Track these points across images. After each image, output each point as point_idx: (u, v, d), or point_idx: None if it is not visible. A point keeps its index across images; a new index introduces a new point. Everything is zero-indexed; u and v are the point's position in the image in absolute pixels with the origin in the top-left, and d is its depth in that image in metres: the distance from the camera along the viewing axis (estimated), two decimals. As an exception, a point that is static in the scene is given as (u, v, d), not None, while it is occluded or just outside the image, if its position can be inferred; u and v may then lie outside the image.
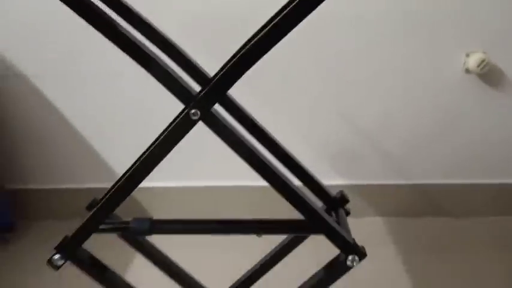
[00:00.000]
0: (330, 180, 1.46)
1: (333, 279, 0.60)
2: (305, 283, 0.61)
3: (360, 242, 1.46)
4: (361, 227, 1.48)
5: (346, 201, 0.72)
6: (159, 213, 1.48)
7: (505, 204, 1.50)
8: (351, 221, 1.48)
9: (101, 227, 0.64)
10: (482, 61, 1.29)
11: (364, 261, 1.30)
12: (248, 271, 0.78)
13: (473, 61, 1.29)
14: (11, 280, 1.26)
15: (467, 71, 1.33)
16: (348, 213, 0.71)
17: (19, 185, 1.49)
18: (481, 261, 1.30)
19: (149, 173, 0.59)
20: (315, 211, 0.59)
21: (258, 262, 0.78)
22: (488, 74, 1.34)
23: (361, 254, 0.59)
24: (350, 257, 0.59)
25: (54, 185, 1.50)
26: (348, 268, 0.59)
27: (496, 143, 1.45)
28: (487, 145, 1.45)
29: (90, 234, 0.62)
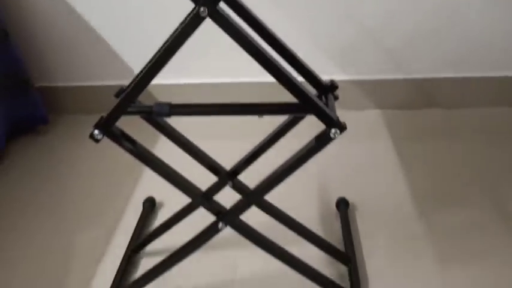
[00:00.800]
0: (331, 75, 1.57)
1: (319, 148, 0.74)
2: (297, 152, 0.76)
3: (360, 132, 1.59)
4: (362, 118, 1.62)
5: (335, 88, 0.84)
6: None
7: (495, 95, 1.61)
8: (352, 113, 1.62)
9: (129, 109, 0.78)
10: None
11: (365, 149, 1.45)
12: (252, 149, 0.93)
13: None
14: (46, 166, 1.44)
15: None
16: (336, 98, 0.83)
17: (47, 83, 1.63)
18: (472, 147, 1.43)
19: (165, 64, 0.71)
20: (307, 95, 0.71)
21: (261, 141, 0.92)
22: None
23: (341, 127, 0.72)
24: (333, 130, 0.72)
25: (79, 83, 1.64)
26: (331, 139, 0.72)
27: (491, 37, 1.53)
28: (483, 40, 1.53)
29: (121, 114, 0.76)
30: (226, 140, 1.45)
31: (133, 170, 1.36)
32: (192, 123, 1.19)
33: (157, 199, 1.25)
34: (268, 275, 1.03)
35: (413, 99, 1.62)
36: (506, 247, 1.09)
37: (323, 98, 0.83)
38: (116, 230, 1.18)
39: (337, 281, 0.98)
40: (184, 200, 1.03)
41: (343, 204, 1.19)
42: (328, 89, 0.84)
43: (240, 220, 0.85)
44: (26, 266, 1.09)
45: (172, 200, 1.16)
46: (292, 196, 1.24)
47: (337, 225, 1.16)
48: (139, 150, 0.79)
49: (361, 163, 1.40)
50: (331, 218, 1.19)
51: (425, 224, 1.16)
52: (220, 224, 0.83)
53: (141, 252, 1.11)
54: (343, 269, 1.04)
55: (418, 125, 1.57)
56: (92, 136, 0.76)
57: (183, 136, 0.93)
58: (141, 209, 1.22)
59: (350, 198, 1.22)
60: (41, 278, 1.06)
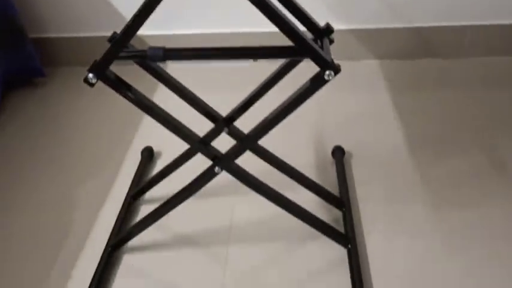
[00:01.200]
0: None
1: (313, 90, 0.74)
2: (293, 93, 0.76)
3: (357, 82, 1.58)
4: (360, 69, 1.61)
5: (331, 31, 0.84)
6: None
7: (496, 44, 1.59)
8: (350, 64, 1.60)
9: (122, 54, 0.78)
10: None
11: (362, 99, 1.45)
12: (248, 95, 0.93)
13: None
14: (43, 118, 1.45)
15: None
16: (331, 42, 0.83)
17: (41, 34, 1.61)
18: (471, 97, 1.43)
19: (155, 7, 0.70)
20: (302, 37, 0.71)
21: (256, 87, 0.92)
22: None
23: (336, 69, 0.72)
24: (327, 72, 0.72)
25: (74, 34, 1.62)
26: (325, 81, 0.73)
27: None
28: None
29: (114, 58, 0.76)
30: (222, 89, 1.46)
31: (132, 121, 1.37)
32: (187, 72, 1.19)
33: (155, 149, 1.26)
34: (264, 221, 1.06)
35: (412, 49, 1.61)
36: (500, 194, 1.11)
37: (318, 41, 0.83)
38: (116, 179, 1.20)
39: (333, 223, 1.01)
40: (181, 149, 1.04)
41: (338, 152, 1.20)
42: (324, 33, 0.83)
43: (236, 164, 0.87)
44: (27, 218, 1.11)
45: (170, 149, 1.17)
46: (289, 144, 1.26)
47: (332, 172, 1.17)
48: (136, 96, 0.79)
49: (358, 112, 1.41)
50: (327, 165, 1.21)
51: (421, 172, 1.17)
52: (217, 168, 0.85)
53: (140, 199, 1.13)
54: (338, 213, 1.06)
55: (417, 75, 1.56)
56: (86, 80, 0.76)
57: (179, 83, 0.93)
58: (139, 158, 1.23)
59: (346, 146, 1.23)
60: (42, 229, 1.08)
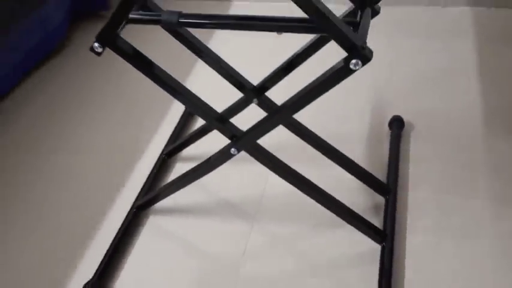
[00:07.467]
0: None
1: (335, 83, 0.61)
2: (312, 82, 0.64)
3: (437, 32, 1.35)
4: (444, 16, 1.37)
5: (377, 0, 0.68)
6: None
7: None
8: (437, 10, 1.37)
9: (134, 17, 0.70)
10: None
11: (438, 52, 1.25)
12: (280, 65, 0.81)
13: None
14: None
15: None
16: (376, 13, 0.67)
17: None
18: None
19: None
20: (323, 13, 0.57)
21: (291, 56, 0.80)
22: None
23: (364, 58, 0.58)
24: (354, 61, 0.58)
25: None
26: (351, 71, 0.59)
27: None
28: None
29: (122, 21, 0.68)
30: (250, 58, 1.27)
31: (181, 72, 1.30)
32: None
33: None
34: (295, 197, 0.97)
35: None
36: None
37: (358, 12, 0.67)
38: (155, 133, 1.16)
39: (371, 212, 0.91)
40: (224, 105, 0.95)
41: (396, 124, 1.06)
42: (367, 2, 0.67)
43: (258, 145, 0.78)
44: (72, 156, 1.14)
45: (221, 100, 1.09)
46: (341, 108, 1.13)
47: (386, 147, 1.04)
48: (149, 67, 0.72)
49: (430, 70, 1.21)
50: (381, 137, 1.07)
51: (488, 153, 0.99)
52: (233, 149, 0.77)
53: (176, 156, 1.10)
54: (380, 199, 0.94)
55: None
56: (92, 49, 0.70)
57: (207, 47, 0.83)
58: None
59: (407, 115, 1.07)
60: (82, 172, 1.10)
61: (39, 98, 1.32)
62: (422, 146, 1.04)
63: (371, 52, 0.58)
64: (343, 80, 0.61)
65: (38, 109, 1.28)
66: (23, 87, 1.36)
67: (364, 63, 0.58)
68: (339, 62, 0.61)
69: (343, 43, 0.58)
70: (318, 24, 0.58)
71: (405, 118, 1.07)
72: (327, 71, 0.62)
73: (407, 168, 1.00)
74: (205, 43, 0.83)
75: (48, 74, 1.40)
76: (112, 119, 1.22)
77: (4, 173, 1.12)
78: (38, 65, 1.42)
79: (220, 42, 1.32)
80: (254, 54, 1.30)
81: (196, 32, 0.80)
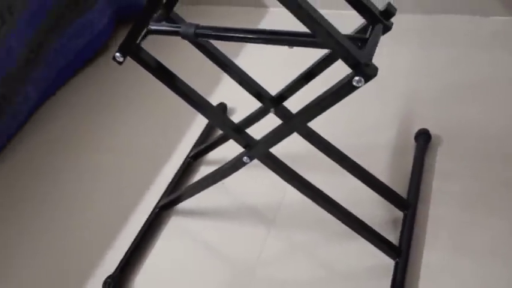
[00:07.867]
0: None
1: (339, 98, 0.61)
2: (316, 98, 0.64)
3: (478, 42, 1.28)
4: (486, 26, 1.31)
5: (390, 15, 0.67)
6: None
7: None
8: (479, 19, 1.31)
9: (154, 28, 0.74)
10: None
11: (477, 62, 1.21)
12: (298, 76, 0.82)
13: None
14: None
15: None
16: (387, 29, 0.66)
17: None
18: None
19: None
20: (325, 30, 0.58)
21: (303, 71, 0.81)
22: None
23: (367, 76, 0.58)
24: (356, 78, 0.58)
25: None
26: (354, 88, 0.59)
27: None
28: None
29: (141, 31, 0.71)
30: (270, 68, 1.28)
31: (211, 77, 1.32)
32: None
33: (230, 105, 1.23)
34: (313, 207, 0.98)
35: None
36: None
37: (370, 28, 0.67)
38: (183, 136, 1.19)
39: (388, 227, 0.90)
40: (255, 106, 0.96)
41: (422, 138, 1.03)
42: (378, 18, 0.67)
43: (269, 153, 0.79)
44: (102, 155, 1.19)
45: (245, 106, 1.11)
46: (370, 117, 1.11)
47: (410, 160, 1.02)
48: (168, 77, 0.75)
49: (468, 82, 1.17)
50: (406, 150, 1.05)
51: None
52: (245, 158, 0.79)
53: (202, 159, 1.13)
54: (399, 213, 0.93)
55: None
56: (114, 59, 0.74)
57: (226, 58, 0.86)
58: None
59: (436, 128, 1.05)
60: (106, 173, 1.15)
61: (78, 99, 1.39)
62: (449, 161, 1.01)
63: (375, 69, 0.58)
64: (348, 95, 0.61)
65: (76, 110, 1.36)
66: (63, 90, 1.43)
67: (366, 81, 0.58)
68: (344, 78, 0.61)
69: (347, 60, 0.59)
70: (321, 40, 0.59)
71: (435, 131, 1.04)
72: (334, 85, 0.63)
73: (431, 183, 0.98)
74: (229, 54, 0.86)
75: (89, 76, 1.47)
76: (146, 122, 1.27)
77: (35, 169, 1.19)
78: (83, 67, 1.49)
79: (244, 53, 1.33)
80: (271, 64, 1.31)
81: (220, 45, 0.82)
